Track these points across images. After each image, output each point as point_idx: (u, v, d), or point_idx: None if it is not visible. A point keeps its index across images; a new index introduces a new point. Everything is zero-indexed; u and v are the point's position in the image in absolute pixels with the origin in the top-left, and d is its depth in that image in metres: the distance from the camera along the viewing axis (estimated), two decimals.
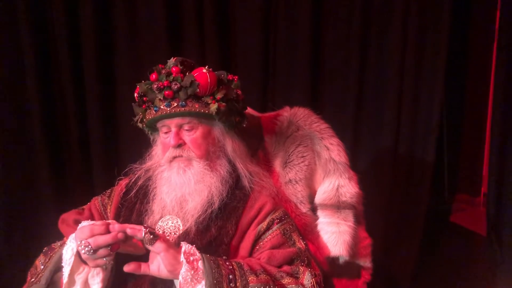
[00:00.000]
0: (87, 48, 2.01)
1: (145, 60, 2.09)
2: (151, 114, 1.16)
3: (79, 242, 0.99)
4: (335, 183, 1.31)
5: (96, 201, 1.30)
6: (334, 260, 1.28)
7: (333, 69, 2.29)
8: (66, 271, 1.02)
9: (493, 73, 2.54)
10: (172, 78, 1.12)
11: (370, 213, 1.41)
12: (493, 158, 2.46)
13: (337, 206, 1.29)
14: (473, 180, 2.93)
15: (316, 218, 1.31)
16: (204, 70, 1.12)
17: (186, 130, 1.16)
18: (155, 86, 1.13)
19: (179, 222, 1.15)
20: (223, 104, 1.15)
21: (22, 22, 1.87)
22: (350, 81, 2.28)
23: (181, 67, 1.14)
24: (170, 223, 1.15)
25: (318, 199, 1.32)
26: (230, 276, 1.00)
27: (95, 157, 2.10)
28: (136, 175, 1.27)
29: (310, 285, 1.08)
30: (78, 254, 1.02)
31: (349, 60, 2.27)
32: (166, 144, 1.18)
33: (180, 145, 1.16)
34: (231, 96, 1.17)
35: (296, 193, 1.34)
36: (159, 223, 1.15)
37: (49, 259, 1.11)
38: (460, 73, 2.64)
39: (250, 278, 1.02)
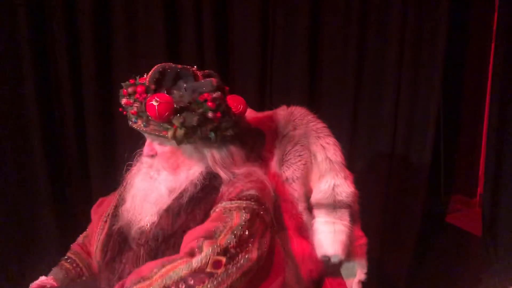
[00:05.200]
0: (85, 47, 2.01)
1: (142, 58, 2.09)
2: (129, 121, 1.19)
3: None
4: (331, 183, 1.31)
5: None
6: (329, 259, 1.28)
7: (331, 69, 2.29)
8: None
9: (490, 74, 2.55)
10: (133, 99, 1.12)
11: (365, 213, 1.41)
12: (489, 159, 2.47)
13: (333, 206, 1.29)
14: (469, 181, 2.94)
15: (312, 217, 1.31)
16: (153, 102, 1.07)
17: (157, 142, 1.19)
18: (123, 101, 1.15)
19: (154, 210, 1.17)
20: (182, 130, 1.10)
21: (22, 28, 1.88)
22: (347, 81, 2.29)
23: (149, 86, 1.11)
24: (145, 211, 1.19)
25: (314, 198, 1.32)
26: None
27: (92, 158, 2.10)
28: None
29: (198, 264, 0.96)
30: None
31: (346, 59, 2.27)
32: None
33: (152, 155, 1.20)
34: (191, 123, 1.10)
35: (292, 192, 1.34)
36: (136, 211, 1.19)
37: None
38: (458, 74, 2.65)
39: None
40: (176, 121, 1.09)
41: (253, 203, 1.13)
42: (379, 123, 2.34)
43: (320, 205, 1.30)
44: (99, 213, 1.35)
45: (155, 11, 2.04)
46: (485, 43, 2.62)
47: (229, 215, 1.09)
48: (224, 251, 1.00)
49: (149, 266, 1.02)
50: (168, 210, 1.16)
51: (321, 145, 1.34)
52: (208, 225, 1.08)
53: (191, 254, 1.01)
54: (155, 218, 1.16)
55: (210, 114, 1.11)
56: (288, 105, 1.45)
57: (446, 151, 2.65)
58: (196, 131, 1.12)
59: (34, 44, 1.91)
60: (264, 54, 2.22)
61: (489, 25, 2.58)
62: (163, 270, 0.98)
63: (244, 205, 1.12)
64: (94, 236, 1.29)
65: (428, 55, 2.27)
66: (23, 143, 1.99)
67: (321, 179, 1.32)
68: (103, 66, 2.05)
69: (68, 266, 1.32)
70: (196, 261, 0.97)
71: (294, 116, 1.39)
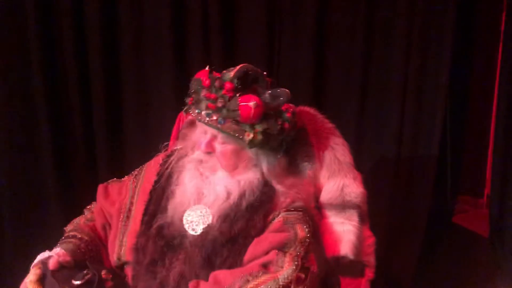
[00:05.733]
0: (92, 47, 2.03)
1: (149, 60, 2.11)
2: (193, 113, 1.16)
3: None
4: (339, 183, 1.31)
5: (128, 183, 1.31)
6: (338, 259, 1.28)
7: (337, 69, 2.30)
8: None
9: (497, 74, 2.54)
10: (220, 94, 1.11)
11: (372, 213, 1.42)
12: (497, 160, 2.46)
13: (341, 206, 1.29)
14: (476, 182, 2.92)
15: (321, 217, 1.31)
16: (251, 104, 1.07)
17: (220, 141, 1.17)
18: (203, 93, 1.13)
19: (209, 212, 1.15)
20: (261, 136, 1.11)
21: (30, 29, 1.90)
22: (353, 82, 2.29)
23: (236, 84, 1.11)
24: (199, 212, 1.15)
25: (322, 198, 1.33)
26: None
27: (100, 158, 2.11)
28: (169, 154, 1.29)
29: (285, 281, 1.00)
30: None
31: (353, 61, 2.27)
32: (199, 141, 1.20)
33: (209, 152, 1.17)
34: (273, 132, 1.12)
35: None
36: (188, 211, 1.16)
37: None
38: (464, 74, 2.64)
39: None
40: (260, 127, 1.10)
41: (305, 214, 1.17)
42: (385, 123, 2.34)
43: (329, 206, 1.30)
44: (117, 203, 1.26)
45: (162, 14, 2.05)
46: (493, 43, 2.61)
47: (291, 226, 1.11)
48: (302, 267, 1.05)
49: (226, 277, 1.02)
50: (226, 213, 1.13)
51: (330, 145, 1.34)
52: (277, 236, 1.09)
53: (267, 266, 1.04)
54: (210, 220, 1.13)
55: (286, 125, 1.15)
56: (296, 105, 1.45)
57: (452, 152, 2.64)
58: (271, 139, 1.14)
59: (42, 46, 1.93)
60: (271, 55, 2.23)
61: (497, 27, 2.57)
62: (249, 285, 1.00)
63: (300, 216, 1.15)
64: (115, 231, 1.22)
65: (435, 55, 2.27)
66: (31, 140, 2.01)
67: (330, 179, 1.33)
68: (110, 66, 2.06)
69: (80, 244, 1.20)
70: (282, 278, 1.01)
71: (302, 116, 1.39)
